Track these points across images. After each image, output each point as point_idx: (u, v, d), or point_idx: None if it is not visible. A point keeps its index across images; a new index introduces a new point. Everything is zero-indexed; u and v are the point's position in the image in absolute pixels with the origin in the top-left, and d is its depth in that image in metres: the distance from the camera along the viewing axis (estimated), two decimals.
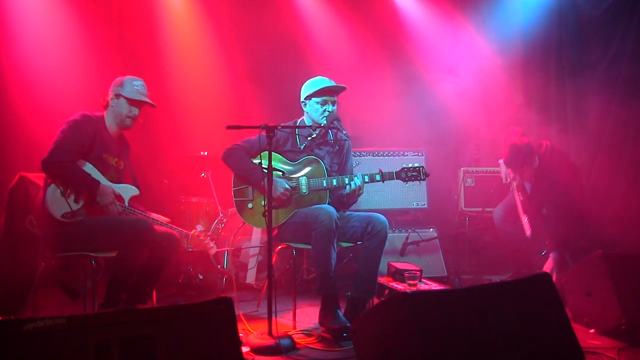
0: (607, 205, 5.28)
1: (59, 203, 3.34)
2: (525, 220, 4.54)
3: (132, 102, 3.63)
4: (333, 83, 3.84)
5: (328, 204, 3.74)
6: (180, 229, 3.73)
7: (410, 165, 3.78)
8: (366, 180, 3.72)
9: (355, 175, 3.72)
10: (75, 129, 3.45)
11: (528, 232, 4.49)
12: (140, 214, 3.60)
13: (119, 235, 3.36)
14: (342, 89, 3.84)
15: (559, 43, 5.84)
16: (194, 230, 3.73)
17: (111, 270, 3.43)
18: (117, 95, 3.63)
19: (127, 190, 3.64)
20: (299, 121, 3.97)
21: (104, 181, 3.49)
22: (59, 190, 3.34)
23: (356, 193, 3.73)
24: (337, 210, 3.69)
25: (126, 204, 3.58)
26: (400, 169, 3.77)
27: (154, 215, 3.69)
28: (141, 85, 3.70)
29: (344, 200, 3.87)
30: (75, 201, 3.40)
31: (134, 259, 3.40)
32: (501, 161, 4.92)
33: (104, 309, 3.32)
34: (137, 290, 3.57)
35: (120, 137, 3.78)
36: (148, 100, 3.69)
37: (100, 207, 3.44)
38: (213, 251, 3.87)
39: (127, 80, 3.67)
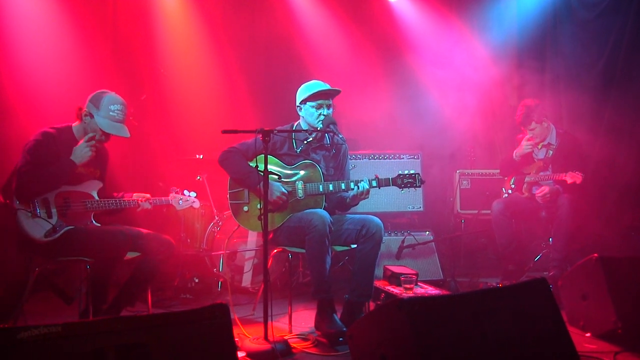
0: (604, 204, 5.32)
1: (35, 225, 3.28)
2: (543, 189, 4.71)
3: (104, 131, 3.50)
4: (328, 87, 3.83)
5: (324, 208, 3.73)
6: (160, 198, 3.74)
7: (406, 172, 3.77)
8: (374, 184, 3.71)
9: (362, 180, 3.71)
10: (36, 150, 3.33)
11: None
12: (115, 200, 3.56)
13: (96, 246, 3.34)
14: (337, 92, 3.83)
15: (554, 45, 5.86)
16: (171, 195, 3.78)
17: (89, 278, 3.40)
18: (91, 115, 3.47)
19: (92, 186, 3.57)
20: (295, 125, 3.96)
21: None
22: (28, 214, 3.26)
23: (361, 197, 3.72)
24: (333, 214, 3.67)
25: (96, 198, 3.53)
26: (396, 175, 3.76)
27: (134, 195, 3.67)
28: (118, 110, 3.48)
29: (346, 202, 3.87)
30: (49, 215, 3.33)
31: (105, 270, 3.38)
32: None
33: (83, 316, 3.34)
34: (126, 292, 3.56)
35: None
36: (122, 134, 3.51)
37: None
38: (197, 205, 3.90)
39: (105, 101, 3.45)
